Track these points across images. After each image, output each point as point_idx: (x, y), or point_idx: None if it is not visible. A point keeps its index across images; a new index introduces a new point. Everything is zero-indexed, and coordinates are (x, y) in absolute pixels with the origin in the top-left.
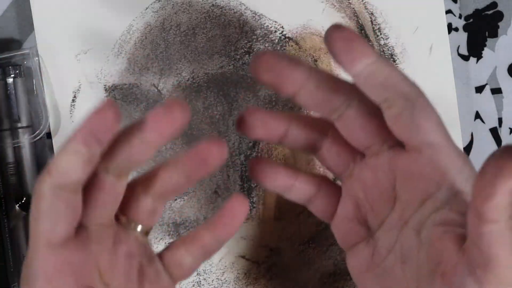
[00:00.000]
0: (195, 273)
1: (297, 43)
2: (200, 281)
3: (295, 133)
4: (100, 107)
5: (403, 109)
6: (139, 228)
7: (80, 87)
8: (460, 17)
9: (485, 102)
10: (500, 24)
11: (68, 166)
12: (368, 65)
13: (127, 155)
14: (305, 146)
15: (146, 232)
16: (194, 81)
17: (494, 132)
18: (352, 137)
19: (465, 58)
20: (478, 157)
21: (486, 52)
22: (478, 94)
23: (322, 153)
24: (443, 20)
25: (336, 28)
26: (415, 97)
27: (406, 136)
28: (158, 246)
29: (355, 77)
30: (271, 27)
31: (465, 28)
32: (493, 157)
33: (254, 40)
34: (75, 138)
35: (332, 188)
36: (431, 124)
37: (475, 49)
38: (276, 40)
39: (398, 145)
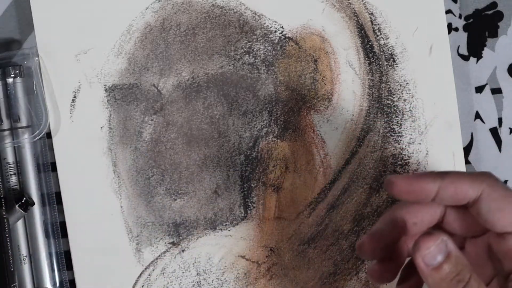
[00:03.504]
0: (195, 273)
1: (297, 43)
2: (200, 281)
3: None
4: None
5: None
6: None
7: (80, 87)
8: (460, 17)
9: (485, 102)
10: (500, 24)
11: None
12: None
13: None
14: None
15: None
16: (194, 81)
17: (494, 132)
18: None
19: (465, 58)
20: (478, 157)
21: (486, 52)
22: (478, 94)
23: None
24: (443, 20)
25: None
26: None
27: None
28: (158, 246)
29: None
30: (271, 27)
31: (465, 28)
32: None
33: (254, 40)
34: None
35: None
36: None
37: (475, 49)
38: (276, 40)
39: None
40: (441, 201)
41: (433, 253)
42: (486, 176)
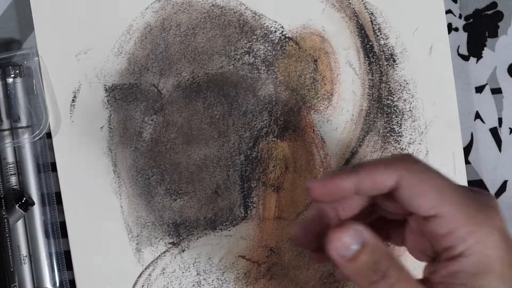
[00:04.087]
0: (195, 273)
1: (297, 43)
2: (200, 281)
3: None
4: None
5: None
6: None
7: (80, 87)
8: (460, 17)
9: (485, 102)
10: (500, 24)
11: None
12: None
13: None
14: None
15: None
16: (194, 81)
17: (494, 132)
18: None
19: (465, 58)
20: (478, 157)
21: (486, 52)
22: (478, 94)
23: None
24: (443, 20)
25: None
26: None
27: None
28: (158, 246)
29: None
30: (271, 27)
31: (465, 28)
32: None
33: (254, 40)
34: None
35: None
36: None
37: (475, 49)
38: (276, 40)
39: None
40: (363, 193)
41: (346, 244)
42: (404, 160)
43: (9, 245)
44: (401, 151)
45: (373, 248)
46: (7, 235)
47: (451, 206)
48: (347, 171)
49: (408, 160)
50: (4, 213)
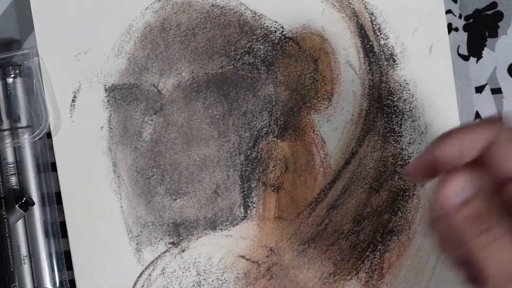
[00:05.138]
0: (195, 273)
1: (297, 43)
2: (200, 281)
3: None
4: None
5: None
6: None
7: (80, 87)
8: (460, 17)
9: (485, 102)
10: (500, 24)
11: None
12: None
13: None
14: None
15: None
16: (194, 81)
17: None
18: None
19: (465, 58)
20: None
21: (486, 52)
22: (478, 94)
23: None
24: (443, 20)
25: None
26: None
27: None
28: (158, 246)
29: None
30: (271, 27)
31: (465, 28)
32: None
33: (254, 40)
34: None
35: None
36: None
37: (475, 49)
38: (276, 40)
39: None
40: (458, 161)
41: (460, 189)
42: (494, 122)
43: (9, 245)
44: (401, 151)
45: (481, 200)
46: (7, 235)
47: None
48: (439, 141)
49: (498, 122)
50: (4, 213)
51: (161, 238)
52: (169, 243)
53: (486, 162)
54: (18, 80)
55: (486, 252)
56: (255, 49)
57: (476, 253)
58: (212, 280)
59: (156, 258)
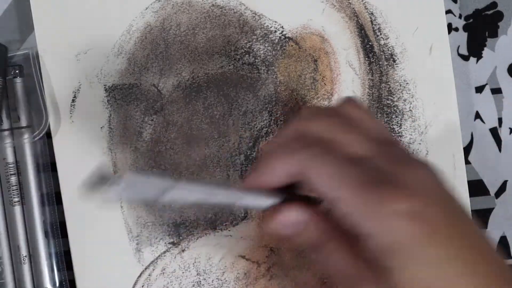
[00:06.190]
0: (195, 273)
1: (297, 43)
2: (200, 281)
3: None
4: None
5: None
6: None
7: (80, 87)
8: (460, 17)
9: (485, 102)
10: (500, 24)
11: None
12: None
13: None
14: None
15: None
16: (194, 81)
17: (494, 132)
18: None
19: (465, 58)
20: (478, 157)
21: (486, 52)
22: (478, 94)
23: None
24: (443, 20)
25: None
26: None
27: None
28: (158, 246)
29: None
30: (271, 27)
31: (465, 28)
32: None
33: (254, 40)
34: None
35: None
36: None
37: (475, 49)
38: (276, 40)
39: None
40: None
41: (288, 224)
42: (305, 148)
43: (9, 243)
44: None
45: (314, 226)
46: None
47: (345, 190)
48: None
49: (305, 146)
50: (4, 213)
51: (161, 238)
52: (169, 243)
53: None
54: (18, 80)
55: (326, 264)
56: (255, 49)
57: (318, 265)
58: (212, 280)
59: (156, 258)
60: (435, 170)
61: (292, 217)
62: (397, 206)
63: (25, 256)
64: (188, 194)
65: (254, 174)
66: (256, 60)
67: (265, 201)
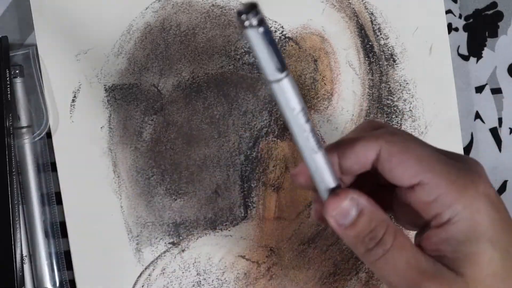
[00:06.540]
0: (195, 273)
1: (297, 43)
2: (200, 281)
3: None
4: None
5: None
6: None
7: (80, 87)
8: (460, 17)
9: (485, 102)
10: (500, 24)
11: None
12: None
13: None
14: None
15: None
16: (194, 81)
17: (494, 132)
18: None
19: (465, 58)
20: (478, 157)
21: (486, 52)
22: (478, 94)
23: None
24: (443, 20)
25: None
26: None
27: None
28: (158, 246)
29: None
30: (271, 27)
31: (465, 28)
32: None
33: None
34: None
35: None
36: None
37: (475, 49)
38: (276, 40)
39: None
40: (348, 173)
41: (343, 212)
42: (382, 132)
43: (13, 244)
44: None
45: (370, 215)
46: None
47: (433, 173)
48: (329, 149)
49: (386, 131)
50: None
51: (161, 238)
52: (169, 243)
53: (379, 173)
54: (18, 80)
55: (379, 263)
56: None
57: (371, 265)
58: (212, 280)
59: (156, 258)
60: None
61: (354, 202)
62: (486, 190)
63: (25, 256)
64: (294, 92)
65: (339, 145)
66: (256, 60)
67: (330, 175)
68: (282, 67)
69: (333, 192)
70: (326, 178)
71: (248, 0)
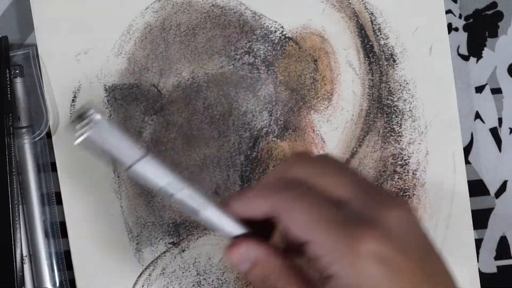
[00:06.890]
0: (195, 273)
1: (297, 43)
2: (200, 281)
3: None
4: None
5: None
6: None
7: (80, 87)
8: (460, 17)
9: (485, 102)
10: (500, 24)
11: None
12: None
13: None
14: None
15: None
16: (194, 81)
17: (494, 132)
18: None
19: (465, 58)
20: (478, 157)
21: (486, 52)
22: (478, 94)
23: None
24: (443, 20)
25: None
26: None
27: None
28: (158, 246)
29: None
30: (271, 27)
31: (465, 28)
32: None
33: (254, 40)
34: None
35: None
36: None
37: (475, 49)
38: (276, 40)
39: None
40: (250, 219)
41: (241, 259)
42: (281, 188)
43: (13, 245)
44: (401, 151)
45: (264, 264)
46: (11, 234)
47: (319, 233)
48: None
49: (285, 187)
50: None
51: (161, 238)
52: (169, 243)
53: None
54: (18, 80)
55: None
56: (255, 49)
57: None
58: (212, 280)
59: (156, 258)
60: (412, 211)
61: (248, 252)
62: (367, 247)
63: (25, 256)
64: (153, 171)
65: (231, 199)
66: (256, 60)
67: (228, 226)
68: (134, 153)
69: (233, 240)
70: (225, 228)
71: (75, 113)
